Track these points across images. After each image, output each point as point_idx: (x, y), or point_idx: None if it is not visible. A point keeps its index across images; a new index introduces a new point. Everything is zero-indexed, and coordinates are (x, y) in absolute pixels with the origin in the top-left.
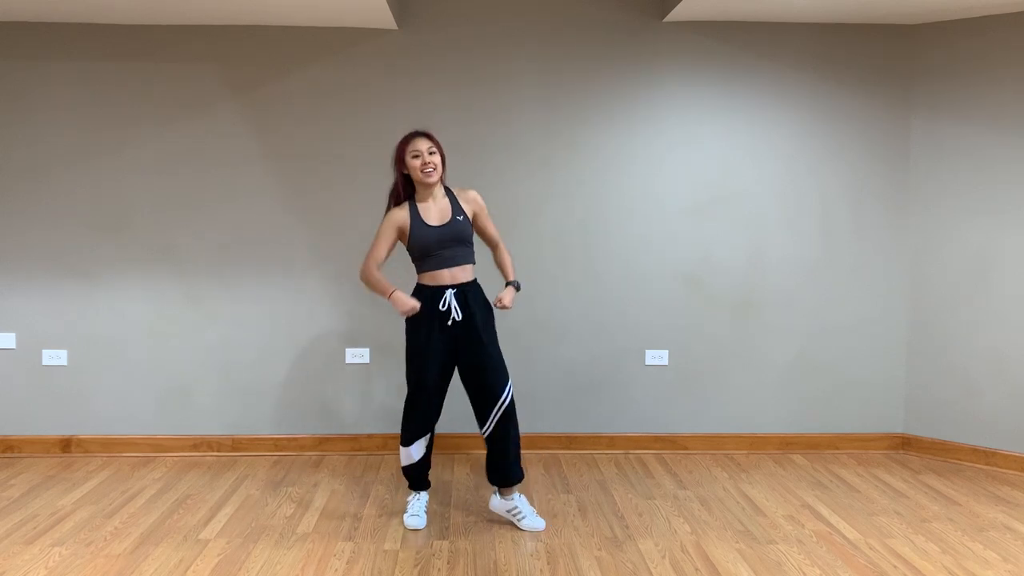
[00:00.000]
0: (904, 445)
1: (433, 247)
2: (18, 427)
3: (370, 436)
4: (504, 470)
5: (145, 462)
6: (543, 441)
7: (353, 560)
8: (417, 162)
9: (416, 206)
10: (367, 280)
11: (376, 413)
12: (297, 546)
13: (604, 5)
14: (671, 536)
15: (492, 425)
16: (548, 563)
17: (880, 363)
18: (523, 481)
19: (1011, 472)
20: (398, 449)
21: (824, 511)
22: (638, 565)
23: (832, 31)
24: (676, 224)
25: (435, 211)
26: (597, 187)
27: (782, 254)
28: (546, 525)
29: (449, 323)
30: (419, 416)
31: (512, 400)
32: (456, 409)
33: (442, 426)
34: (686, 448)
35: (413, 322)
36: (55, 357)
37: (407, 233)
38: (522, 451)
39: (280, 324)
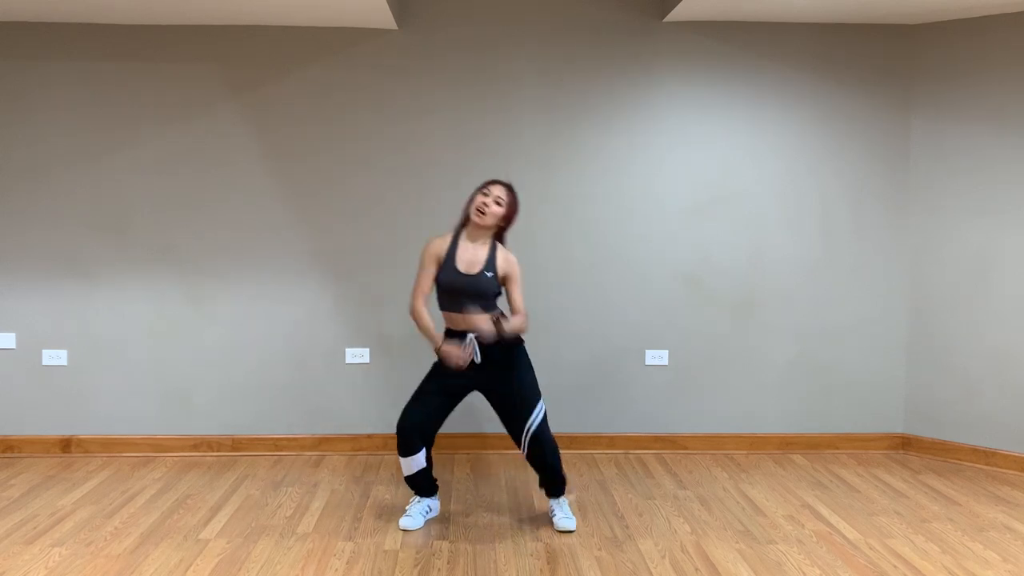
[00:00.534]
0: (904, 445)
1: (453, 289)
2: (18, 427)
3: (370, 436)
4: (544, 484)
5: (145, 462)
6: None
7: (353, 560)
8: (477, 200)
9: (458, 242)
10: (416, 319)
11: (376, 413)
12: (297, 546)
13: (604, 5)
14: (671, 536)
15: (525, 448)
16: (548, 563)
17: (880, 363)
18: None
19: (1011, 472)
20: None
21: (824, 511)
22: (638, 565)
23: (832, 31)
24: (676, 224)
25: (469, 257)
26: (597, 187)
27: (782, 254)
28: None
29: (471, 365)
30: (405, 424)
31: (541, 424)
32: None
33: (442, 426)
34: (686, 448)
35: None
36: (55, 357)
37: (440, 266)
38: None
39: (280, 324)
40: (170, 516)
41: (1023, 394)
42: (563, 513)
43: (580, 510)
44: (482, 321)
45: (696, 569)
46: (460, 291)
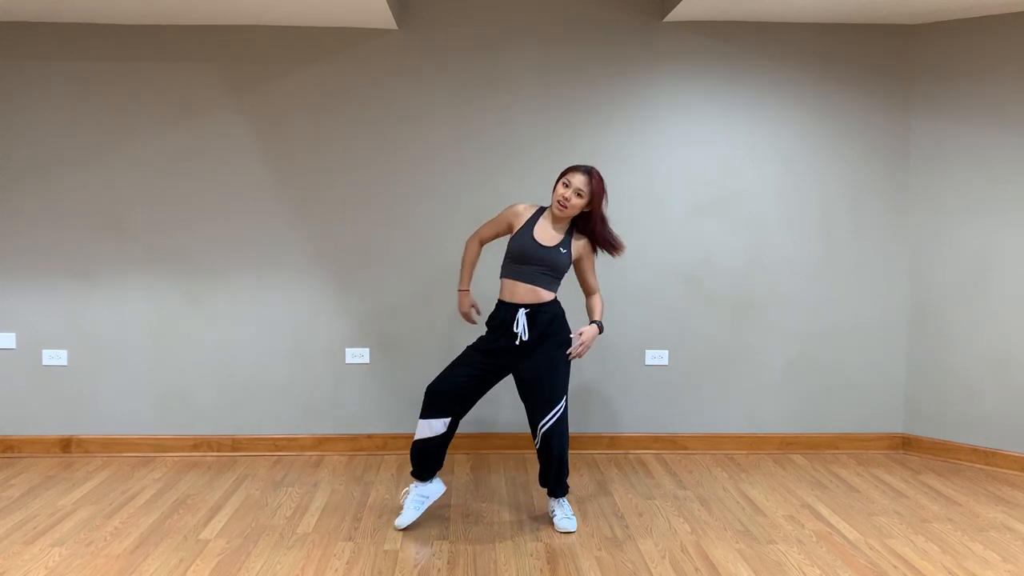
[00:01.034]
0: (904, 445)
1: (525, 257)
2: (18, 427)
3: (370, 436)
4: (546, 482)
5: (145, 462)
6: None
7: (353, 560)
8: (559, 190)
9: (539, 218)
10: (464, 251)
11: (376, 413)
12: (297, 546)
13: (604, 5)
14: (671, 536)
15: (538, 441)
16: (548, 563)
17: (880, 363)
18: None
19: (1011, 472)
20: (398, 449)
21: (824, 511)
22: (638, 565)
23: (832, 31)
24: (676, 224)
25: (548, 233)
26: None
27: (782, 254)
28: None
29: (517, 342)
30: (434, 386)
31: (559, 422)
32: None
33: None
34: (686, 448)
35: (488, 324)
36: (55, 357)
37: (513, 231)
38: (523, 452)
39: (280, 324)
40: (170, 516)
41: (1023, 394)
42: (564, 513)
43: (580, 510)
44: (587, 333)
45: (696, 569)
46: (532, 260)
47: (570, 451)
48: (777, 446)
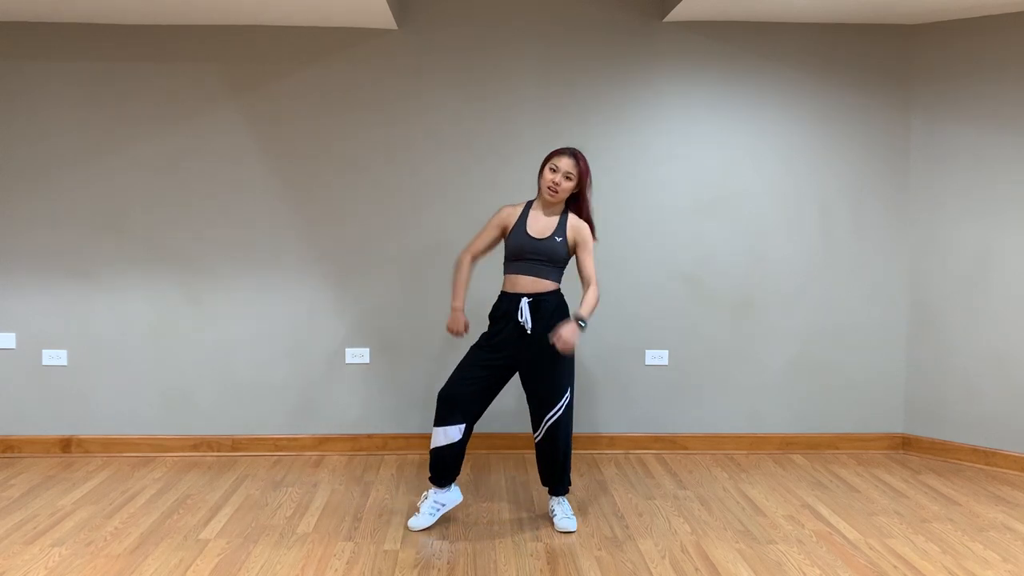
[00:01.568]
0: (904, 445)
1: (522, 253)
2: (18, 427)
3: (370, 436)
4: (547, 479)
5: (145, 462)
6: None
7: (353, 560)
8: (547, 175)
9: (529, 211)
10: (455, 269)
11: (376, 413)
12: (297, 546)
13: (604, 5)
14: (671, 536)
15: (541, 434)
16: (548, 563)
17: (880, 363)
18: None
19: (1011, 472)
20: (398, 449)
21: (824, 511)
22: (638, 565)
23: (832, 31)
24: (676, 224)
25: (541, 224)
26: (597, 187)
27: (782, 254)
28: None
29: (520, 331)
30: (446, 394)
31: (564, 414)
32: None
33: None
34: (686, 448)
35: (490, 320)
36: (55, 357)
37: (507, 232)
38: (523, 452)
39: (280, 324)
40: (170, 516)
41: (1023, 394)
42: (564, 513)
43: (580, 510)
44: (565, 330)
45: (696, 569)
46: (528, 253)
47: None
48: (777, 446)
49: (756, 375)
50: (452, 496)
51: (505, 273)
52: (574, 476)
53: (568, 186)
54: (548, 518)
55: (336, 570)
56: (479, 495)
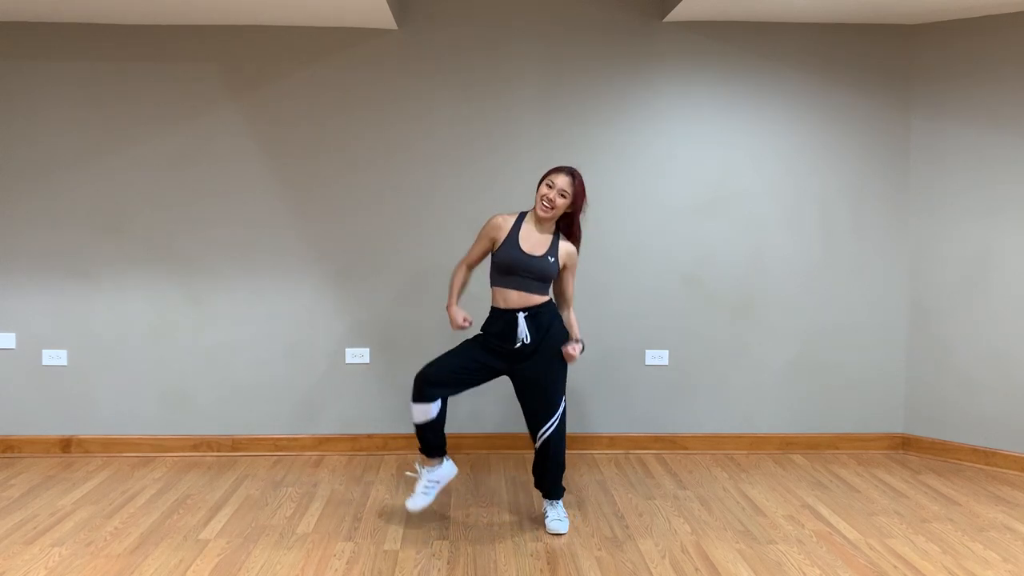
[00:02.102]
0: (904, 445)
1: (513, 269)
2: (18, 427)
3: (370, 436)
4: (541, 485)
5: (145, 462)
6: None
7: (353, 560)
8: (543, 191)
9: (521, 223)
10: (453, 277)
11: (376, 413)
12: (297, 546)
13: (604, 5)
14: (671, 536)
15: (538, 444)
16: (548, 563)
17: (880, 363)
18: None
19: (1011, 472)
20: (398, 449)
21: (824, 511)
22: (638, 565)
23: (832, 31)
24: (676, 224)
25: (534, 240)
26: (597, 187)
27: (782, 254)
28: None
29: (518, 345)
30: (427, 372)
31: (558, 427)
32: (455, 410)
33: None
34: (686, 448)
35: (482, 330)
36: (55, 357)
37: (497, 244)
38: (523, 452)
39: (280, 324)
40: (170, 516)
41: (1023, 394)
42: (556, 515)
43: (580, 510)
44: (575, 349)
45: (696, 569)
46: (521, 269)
47: (570, 451)
48: (777, 446)
49: (756, 375)
50: (445, 471)
51: (494, 286)
52: (575, 475)
53: (562, 204)
54: None
55: (336, 570)
56: (479, 495)
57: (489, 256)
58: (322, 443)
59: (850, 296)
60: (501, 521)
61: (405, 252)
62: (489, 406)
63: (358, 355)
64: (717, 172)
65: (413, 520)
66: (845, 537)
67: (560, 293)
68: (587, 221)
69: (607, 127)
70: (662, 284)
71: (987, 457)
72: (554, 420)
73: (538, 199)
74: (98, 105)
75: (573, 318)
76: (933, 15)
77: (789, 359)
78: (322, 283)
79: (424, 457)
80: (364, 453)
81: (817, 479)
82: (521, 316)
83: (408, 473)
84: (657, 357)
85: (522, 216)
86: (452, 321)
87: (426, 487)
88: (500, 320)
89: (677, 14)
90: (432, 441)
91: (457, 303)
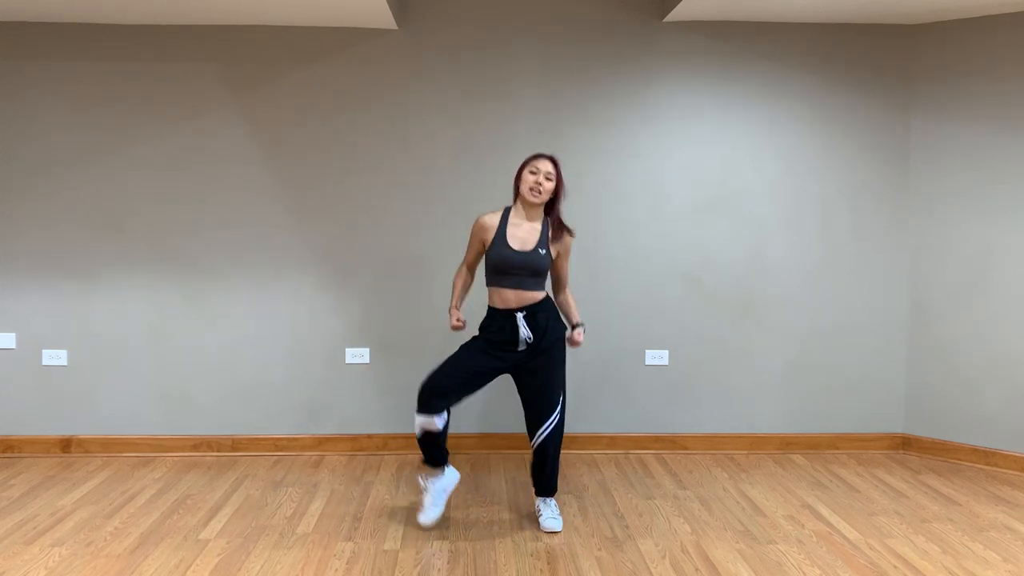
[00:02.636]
0: (904, 445)
1: (505, 267)
2: (18, 427)
3: (370, 436)
4: (538, 482)
5: (145, 462)
6: None
7: (353, 560)
8: (531, 178)
9: (508, 218)
10: (455, 279)
11: (376, 413)
12: (297, 546)
13: (604, 5)
14: (671, 536)
15: (537, 442)
16: (548, 563)
17: (880, 363)
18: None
19: (1011, 472)
20: (398, 449)
21: (824, 511)
22: (638, 565)
23: (832, 31)
24: (676, 224)
25: (522, 234)
26: (597, 187)
27: (782, 254)
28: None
29: (520, 347)
30: (432, 384)
31: (559, 425)
32: (455, 410)
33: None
34: (686, 448)
35: (480, 331)
36: (55, 357)
37: (487, 245)
38: (523, 452)
39: (280, 324)
40: (170, 516)
41: (1023, 394)
42: (551, 513)
43: (580, 510)
44: (579, 335)
45: (696, 569)
46: (513, 267)
47: (570, 451)
48: (777, 446)
49: (756, 375)
50: (450, 478)
51: (489, 286)
52: (575, 475)
53: (549, 187)
54: None
55: (336, 570)
56: (479, 495)
57: (479, 260)
58: (322, 443)
59: (850, 296)
60: (501, 521)
61: (405, 252)
62: (489, 406)
63: (358, 355)
64: (717, 172)
65: (413, 520)
66: (845, 537)
67: (556, 278)
68: (588, 220)
69: (607, 127)
70: (662, 284)
71: (987, 457)
72: (553, 418)
73: (524, 187)
74: (98, 105)
75: (571, 299)
76: (933, 15)
77: (789, 359)
78: (322, 283)
79: (428, 468)
80: (364, 453)
81: (817, 479)
82: (520, 316)
83: (420, 480)
84: (657, 357)
85: (508, 211)
86: (456, 321)
87: (435, 498)
88: (498, 321)
89: (677, 14)
90: (436, 452)
91: (459, 304)
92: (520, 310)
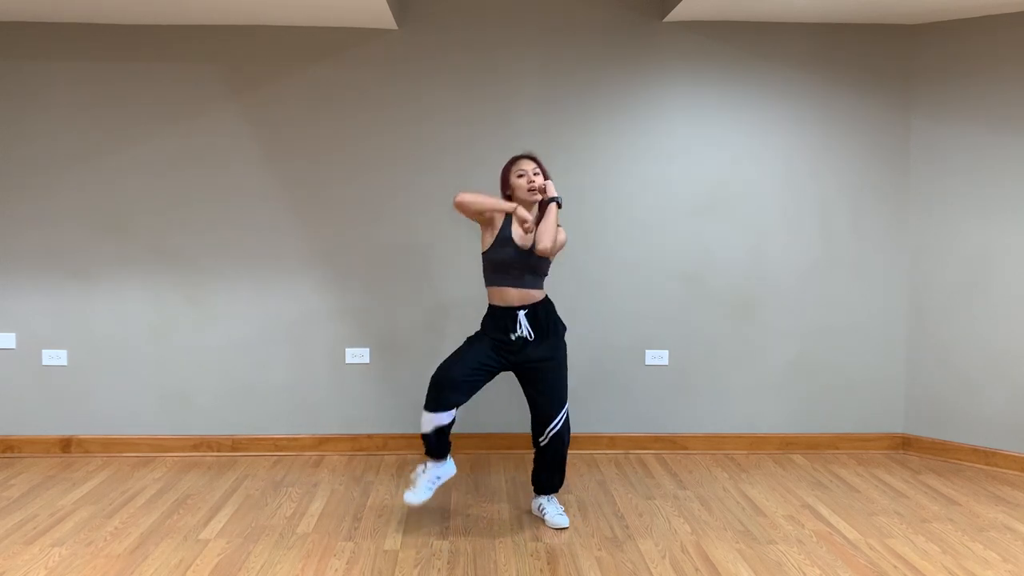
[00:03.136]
0: (904, 445)
1: (508, 265)
2: (18, 427)
3: (370, 436)
4: (543, 479)
5: (145, 462)
6: None
7: (353, 560)
8: (523, 180)
9: (511, 221)
10: (466, 199)
11: (376, 413)
12: (297, 546)
13: (604, 5)
14: (671, 536)
15: (545, 439)
16: (548, 563)
17: (880, 363)
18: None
19: (1011, 472)
20: (398, 449)
21: (824, 511)
22: (638, 565)
23: (832, 31)
24: (676, 224)
25: (521, 234)
26: (597, 187)
27: (782, 254)
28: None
29: (517, 335)
30: (446, 379)
31: (565, 423)
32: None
33: None
34: (686, 448)
35: (483, 328)
36: (55, 357)
37: (495, 233)
38: (523, 452)
39: (280, 324)
40: (170, 516)
41: (1023, 394)
42: (557, 509)
43: (580, 510)
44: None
45: (696, 569)
46: (519, 265)
47: (571, 451)
48: (777, 446)
49: (756, 375)
50: (447, 469)
51: (490, 286)
52: (575, 475)
53: (542, 180)
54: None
55: (336, 570)
56: (479, 495)
57: (481, 256)
58: (322, 443)
59: (850, 296)
60: (501, 521)
61: (405, 252)
62: (489, 406)
63: (358, 355)
64: (717, 172)
65: (413, 520)
66: (845, 537)
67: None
68: (588, 220)
69: (607, 127)
70: (662, 284)
71: (987, 457)
72: (562, 415)
73: (519, 191)
74: (98, 105)
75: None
76: (933, 15)
77: (789, 359)
78: (322, 283)
79: (430, 459)
80: (364, 453)
81: (817, 479)
82: (521, 314)
83: (420, 466)
84: (657, 357)
85: (507, 216)
86: (523, 211)
87: (430, 482)
88: (499, 318)
89: (677, 14)
90: (440, 446)
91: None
92: (522, 308)
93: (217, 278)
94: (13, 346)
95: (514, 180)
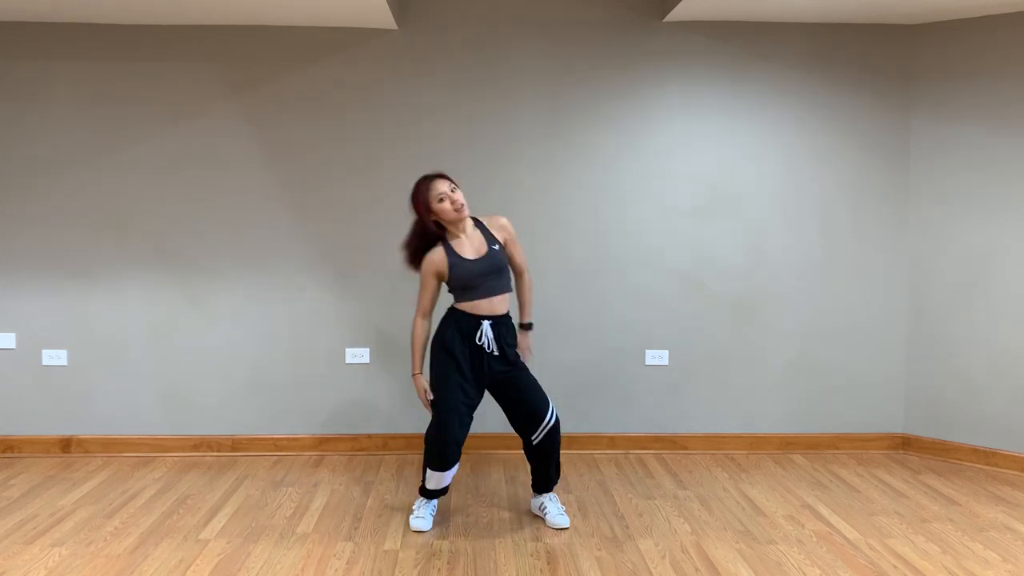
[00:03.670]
0: (904, 445)
1: (475, 280)
2: (18, 427)
3: (370, 436)
4: (543, 477)
5: (145, 462)
6: None
7: (353, 560)
8: (446, 204)
9: (450, 244)
10: (412, 336)
11: (376, 413)
12: (297, 546)
13: (604, 5)
14: (671, 536)
15: (540, 438)
16: (548, 563)
17: (880, 363)
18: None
19: (1011, 472)
20: (398, 449)
21: (824, 511)
22: (638, 565)
23: (832, 31)
24: (676, 224)
25: (470, 245)
26: (597, 187)
27: (782, 254)
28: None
29: (483, 354)
30: (451, 439)
31: (557, 418)
32: None
33: None
34: (686, 448)
35: (444, 347)
36: (55, 357)
37: (447, 273)
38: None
39: (280, 324)
40: (170, 516)
41: (1023, 394)
42: (558, 509)
43: (580, 510)
44: (525, 343)
45: (696, 569)
46: (484, 274)
47: (570, 451)
48: (777, 446)
49: (756, 375)
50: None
51: (459, 302)
52: (575, 475)
53: (461, 196)
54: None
55: (336, 570)
56: (479, 495)
57: (434, 304)
58: (322, 443)
59: (850, 296)
60: (501, 521)
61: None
62: (489, 406)
63: (358, 355)
64: (717, 172)
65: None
66: (845, 537)
67: (513, 265)
68: (588, 220)
69: (607, 127)
70: (662, 284)
71: (987, 457)
72: (551, 410)
73: (445, 214)
74: (98, 105)
75: (527, 293)
76: (933, 15)
77: (789, 359)
78: (322, 283)
79: (425, 498)
80: (364, 453)
81: (817, 479)
82: (487, 324)
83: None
84: (657, 357)
85: (443, 244)
86: (419, 391)
87: (432, 509)
88: (462, 323)
89: (677, 14)
90: (441, 492)
91: (423, 367)
92: (487, 318)
93: (217, 278)
94: (13, 346)
95: (436, 206)
